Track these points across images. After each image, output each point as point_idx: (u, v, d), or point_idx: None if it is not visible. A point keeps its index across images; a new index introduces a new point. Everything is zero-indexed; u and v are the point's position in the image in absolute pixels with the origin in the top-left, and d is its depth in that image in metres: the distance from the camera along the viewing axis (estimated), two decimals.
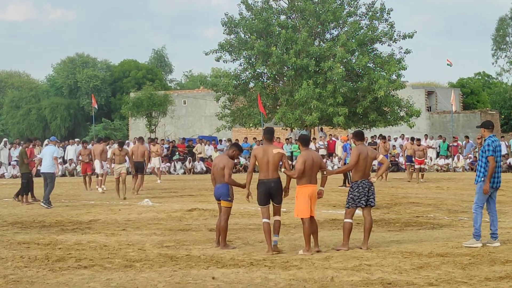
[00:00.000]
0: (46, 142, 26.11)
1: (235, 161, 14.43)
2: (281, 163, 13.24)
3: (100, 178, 28.35)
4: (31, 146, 29.16)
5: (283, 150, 13.33)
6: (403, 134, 47.87)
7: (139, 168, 27.53)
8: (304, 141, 13.32)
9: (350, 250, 13.02)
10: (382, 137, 32.93)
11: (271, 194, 12.95)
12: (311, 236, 12.81)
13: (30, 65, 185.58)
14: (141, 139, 30.09)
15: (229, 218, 13.68)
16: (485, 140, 13.55)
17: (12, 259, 12.47)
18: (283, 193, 13.09)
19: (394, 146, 44.75)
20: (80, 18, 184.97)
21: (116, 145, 28.24)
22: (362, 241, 13.27)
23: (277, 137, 45.52)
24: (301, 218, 12.84)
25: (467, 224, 16.63)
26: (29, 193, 24.15)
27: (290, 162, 14.86)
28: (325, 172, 13.26)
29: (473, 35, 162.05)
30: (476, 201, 13.64)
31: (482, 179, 13.47)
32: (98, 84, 74.42)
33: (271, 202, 13.06)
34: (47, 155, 23.44)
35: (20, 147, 28.95)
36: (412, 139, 33.92)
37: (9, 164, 44.88)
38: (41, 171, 23.59)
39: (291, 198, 13.47)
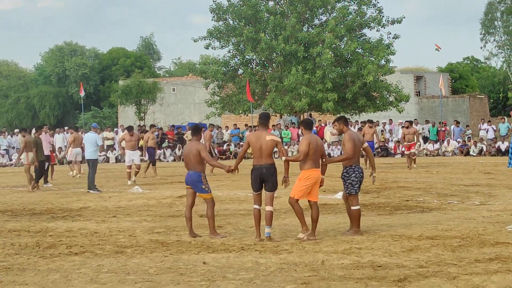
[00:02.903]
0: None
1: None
2: (276, 150, 13.17)
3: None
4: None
5: (278, 138, 13.15)
6: (391, 119, 47.96)
7: (151, 155, 28.26)
8: (308, 124, 13.12)
9: (340, 234, 13.07)
10: (370, 122, 32.64)
11: (263, 179, 12.75)
12: (312, 223, 12.67)
13: (18, 54, 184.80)
14: (152, 126, 31.47)
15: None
16: None
17: (2, 246, 12.47)
18: (284, 183, 12.81)
19: (382, 131, 44.79)
20: (69, 6, 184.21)
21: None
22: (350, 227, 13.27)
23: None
24: (291, 198, 12.67)
25: (457, 208, 16.71)
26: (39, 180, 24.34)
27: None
28: (324, 160, 13.14)
29: (462, 20, 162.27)
30: None
31: None
32: (87, 72, 74.20)
33: (263, 189, 12.91)
34: (89, 142, 23.64)
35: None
36: (411, 123, 33.45)
37: None
38: (86, 158, 24.16)
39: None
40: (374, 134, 31.64)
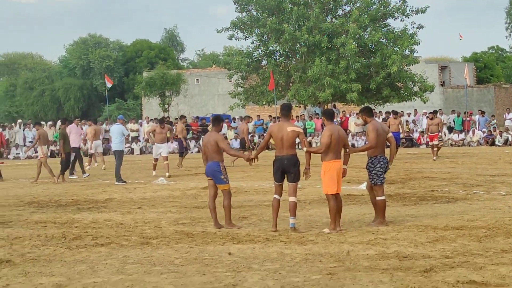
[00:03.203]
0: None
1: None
2: (298, 141, 13.16)
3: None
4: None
5: (300, 128, 13.08)
6: (416, 110, 47.77)
7: (180, 146, 28.45)
8: (329, 115, 12.95)
9: (365, 224, 13.04)
10: (394, 113, 32.46)
11: (285, 170, 12.72)
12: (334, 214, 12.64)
13: (43, 47, 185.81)
14: (182, 117, 31.93)
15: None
16: None
17: (29, 238, 12.55)
18: (305, 174, 12.73)
19: (407, 121, 44.61)
20: None
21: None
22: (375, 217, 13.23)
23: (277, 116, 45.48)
24: (327, 195, 12.63)
25: (482, 198, 16.62)
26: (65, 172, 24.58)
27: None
28: (347, 150, 13.07)
29: (487, 9, 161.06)
30: None
31: None
32: (111, 64, 74.43)
33: (285, 180, 12.86)
34: (116, 134, 23.84)
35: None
36: (435, 112, 33.08)
37: (24, 145, 45.09)
38: (112, 149, 24.58)
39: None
40: (399, 125, 31.46)
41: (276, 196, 12.81)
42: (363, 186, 18.27)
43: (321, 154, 12.58)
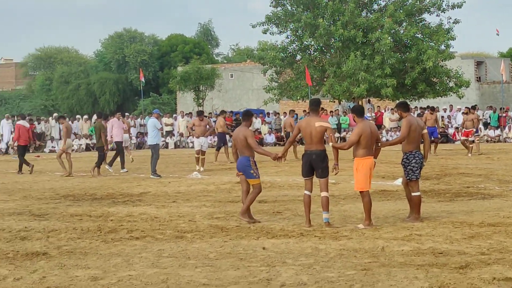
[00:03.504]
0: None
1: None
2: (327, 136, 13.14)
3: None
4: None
5: (328, 123, 13.04)
6: (451, 105, 47.48)
7: (220, 140, 28.41)
8: (359, 111, 12.88)
9: (400, 220, 12.98)
10: (431, 109, 32.20)
11: (313, 166, 12.70)
12: (364, 211, 12.57)
13: (79, 41, 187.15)
14: (223, 112, 32.01)
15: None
16: None
17: (65, 230, 12.66)
18: (333, 170, 12.74)
19: (442, 117, 44.35)
20: None
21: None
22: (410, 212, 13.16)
23: (324, 109, 45.43)
24: (361, 192, 12.58)
25: None
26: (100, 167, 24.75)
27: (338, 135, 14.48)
28: (379, 144, 13.03)
29: None
30: None
31: None
32: (146, 58, 74.63)
33: (314, 175, 12.80)
34: (150, 127, 24.10)
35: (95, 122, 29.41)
36: (473, 107, 32.75)
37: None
38: (147, 143, 24.75)
39: (341, 170, 13.30)
40: (435, 120, 31.27)
41: (306, 192, 12.82)
42: (398, 181, 18.21)
43: (353, 150, 12.54)
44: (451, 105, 47.62)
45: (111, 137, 25.84)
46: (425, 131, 13.54)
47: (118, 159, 25.86)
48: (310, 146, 12.69)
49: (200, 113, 26.20)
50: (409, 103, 45.53)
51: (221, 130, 29.42)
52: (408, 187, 13.15)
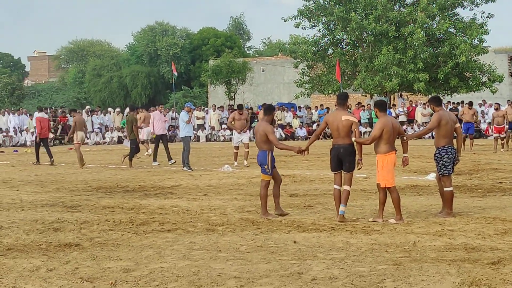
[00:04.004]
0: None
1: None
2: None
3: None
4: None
5: (354, 118, 13.00)
6: (484, 100, 47.14)
7: None
8: (381, 106, 12.80)
9: (432, 215, 12.92)
10: (469, 104, 31.82)
11: (340, 159, 12.69)
12: (379, 205, 12.53)
13: (111, 34, 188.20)
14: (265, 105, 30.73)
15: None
16: None
17: (97, 222, 12.74)
18: (358, 165, 12.72)
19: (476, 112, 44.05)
20: None
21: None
22: (442, 208, 13.08)
23: (357, 103, 45.30)
24: (388, 188, 12.45)
25: None
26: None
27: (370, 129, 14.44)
28: (405, 138, 12.97)
29: None
30: None
31: None
32: (178, 52, 74.86)
33: (342, 169, 12.76)
34: (181, 121, 24.17)
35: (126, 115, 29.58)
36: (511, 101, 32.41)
37: (92, 131, 45.74)
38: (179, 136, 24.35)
39: (371, 164, 13.27)
40: (474, 115, 31.01)
41: (336, 186, 12.80)
42: (430, 176, 18.16)
43: (375, 146, 12.50)
44: (484, 100, 47.26)
45: (153, 129, 25.99)
46: (458, 125, 13.42)
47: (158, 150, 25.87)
48: (337, 140, 12.68)
49: (240, 107, 25.76)
50: (441, 98, 45.40)
51: None
52: (441, 182, 13.09)
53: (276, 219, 12.87)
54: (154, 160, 25.82)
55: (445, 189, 12.88)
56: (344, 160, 12.63)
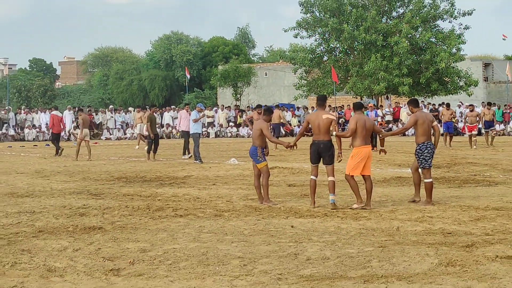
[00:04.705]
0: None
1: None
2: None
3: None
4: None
5: (333, 116, 13.12)
6: (461, 102, 47.07)
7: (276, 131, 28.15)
8: (356, 106, 13.03)
9: (413, 203, 12.90)
10: (447, 105, 31.94)
11: (320, 154, 12.74)
12: (366, 194, 12.56)
13: (132, 42, 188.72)
14: (278, 107, 31.74)
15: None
16: None
17: (118, 208, 12.74)
18: (336, 157, 12.83)
19: (461, 113, 44.07)
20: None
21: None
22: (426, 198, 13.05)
23: (348, 105, 45.24)
24: (346, 175, 12.61)
25: None
26: (151, 152, 24.63)
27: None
28: (381, 135, 13.12)
29: None
30: None
31: None
32: (191, 58, 74.69)
33: (321, 162, 12.83)
34: (189, 119, 24.08)
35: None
36: (489, 104, 32.34)
37: (115, 127, 45.76)
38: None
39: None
40: (452, 115, 30.97)
41: (312, 177, 12.88)
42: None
43: (352, 141, 12.58)
44: (461, 102, 47.20)
45: (179, 126, 25.91)
46: (435, 123, 13.41)
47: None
48: (317, 136, 12.75)
49: (258, 106, 25.50)
50: (423, 100, 45.52)
51: (277, 121, 28.92)
52: (417, 173, 13.10)
53: (276, 206, 12.87)
54: (184, 153, 25.62)
55: (425, 180, 12.87)
56: (323, 154, 12.71)
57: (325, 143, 12.65)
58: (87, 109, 48.90)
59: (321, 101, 13.23)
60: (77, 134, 29.39)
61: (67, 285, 7.39)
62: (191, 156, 24.64)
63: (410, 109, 13.43)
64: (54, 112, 29.21)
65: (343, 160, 13.21)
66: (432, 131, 13.16)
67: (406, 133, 40.22)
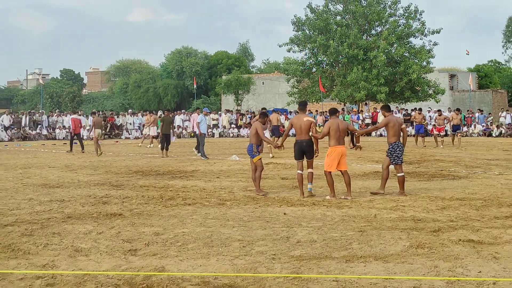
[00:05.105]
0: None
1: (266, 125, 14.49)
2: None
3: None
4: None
5: (312, 119, 13.16)
6: (430, 107, 47.11)
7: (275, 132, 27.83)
8: (331, 112, 13.03)
9: (388, 195, 12.89)
10: (419, 110, 31.97)
11: (304, 151, 12.84)
12: (346, 186, 12.53)
13: (148, 55, 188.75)
14: (276, 110, 30.51)
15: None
16: None
17: (136, 197, 12.73)
18: (314, 153, 12.88)
19: (430, 117, 44.12)
20: (187, 18, 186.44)
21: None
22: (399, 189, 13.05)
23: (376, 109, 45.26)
24: (325, 171, 12.59)
25: (480, 177, 16.33)
26: (164, 150, 24.45)
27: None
28: (356, 134, 13.19)
29: (487, 30, 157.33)
30: None
31: None
32: (198, 69, 74.65)
33: (304, 158, 12.92)
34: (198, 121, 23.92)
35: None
36: (458, 109, 32.33)
37: (133, 128, 45.65)
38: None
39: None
40: (423, 119, 30.95)
41: (299, 171, 12.93)
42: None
43: (328, 141, 12.59)
44: (430, 107, 47.25)
45: (193, 127, 25.76)
46: (403, 126, 13.39)
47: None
48: (300, 136, 12.86)
49: (263, 110, 25.44)
50: (397, 105, 45.55)
51: (276, 124, 28.73)
52: (387, 170, 13.07)
53: (267, 195, 12.87)
54: (197, 150, 25.29)
55: (398, 174, 12.88)
56: (306, 151, 12.83)
57: (307, 141, 12.80)
58: (101, 113, 48.82)
59: (303, 106, 13.35)
60: (101, 133, 29.34)
61: (91, 263, 7.39)
62: (199, 154, 24.58)
63: (383, 113, 13.43)
64: (74, 116, 29.26)
65: (320, 156, 13.28)
66: (401, 133, 13.16)
67: (382, 133, 40.28)
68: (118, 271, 7.05)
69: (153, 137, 31.80)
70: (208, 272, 6.96)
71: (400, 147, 12.90)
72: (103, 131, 28.45)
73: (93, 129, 26.06)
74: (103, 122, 29.74)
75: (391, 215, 10.37)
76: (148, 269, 7.09)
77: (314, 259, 7.45)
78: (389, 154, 13.01)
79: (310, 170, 12.91)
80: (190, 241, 8.48)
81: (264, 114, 13.99)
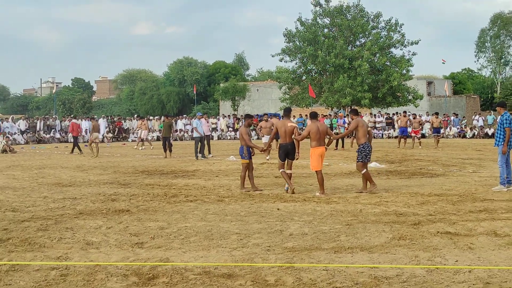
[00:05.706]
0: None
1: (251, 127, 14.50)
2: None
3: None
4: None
5: (295, 124, 13.24)
6: (410, 112, 47.13)
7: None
8: (312, 116, 13.03)
9: (371, 192, 12.89)
10: (404, 113, 31.86)
11: (287, 153, 12.93)
12: (318, 184, 12.52)
13: (152, 64, 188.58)
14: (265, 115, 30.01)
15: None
16: (502, 115, 12.86)
17: (142, 195, 12.71)
18: (296, 154, 12.93)
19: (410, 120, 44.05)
20: (187, 31, 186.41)
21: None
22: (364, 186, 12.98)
23: (322, 114, 45.28)
24: (316, 171, 12.59)
25: (456, 174, 16.34)
26: (168, 151, 24.46)
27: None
28: (331, 137, 13.28)
29: (461, 41, 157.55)
30: (500, 160, 12.75)
31: (502, 143, 12.81)
32: (198, 77, 74.57)
33: (287, 159, 12.99)
34: (194, 125, 23.86)
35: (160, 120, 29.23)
36: (437, 114, 32.23)
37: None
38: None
39: (331, 156, 13.27)
40: (408, 121, 30.87)
41: (282, 170, 12.99)
42: (372, 164, 18.14)
43: (310, 143, 12.63)
44: (409, 112, 47.27)
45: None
46: (369, 129, 13.35)
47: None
48: (284, 140, 12.96)
49: (265, 115, 25.06)
50: (380, 110, 45.60)
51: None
52: (367, 170, 12.96)
53: (262, 192, 12.87)
54: (209, 153, 24.81)
55: (363, 172, 12.82)
56: (289, 153, 12.93)
57: (291, 144, 12.92)
58: (117, 118, 48.74)
59: (287, 112, 13.40)
60: (109, 137, 29.24)
61: (101, 255, 7.37)
62: (212, 156, 24.42)
63: (351, 117, 13.49)
64: (74, 120, 29.27)
65: (301, 157, 13.33)
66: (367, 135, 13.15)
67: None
68: (126, 262, 7.04)
69: (141, 139, 31.92)
70: (209, 262, 6.96)
71: (369, 147, 12.92)
72: (106, 135, 28.29)
73: (91, 132, 26.04)
74: (107, 126, 29.42)
75: (375, 210, 10.38)
76: (154, 260, 7.08)
77: (306, 250, 7.45)
78: (358, 152, 13.00)
79: (289, 171, 13.01)
80: (192, 235, 8.47)
81: (248, 116, 13.97)
